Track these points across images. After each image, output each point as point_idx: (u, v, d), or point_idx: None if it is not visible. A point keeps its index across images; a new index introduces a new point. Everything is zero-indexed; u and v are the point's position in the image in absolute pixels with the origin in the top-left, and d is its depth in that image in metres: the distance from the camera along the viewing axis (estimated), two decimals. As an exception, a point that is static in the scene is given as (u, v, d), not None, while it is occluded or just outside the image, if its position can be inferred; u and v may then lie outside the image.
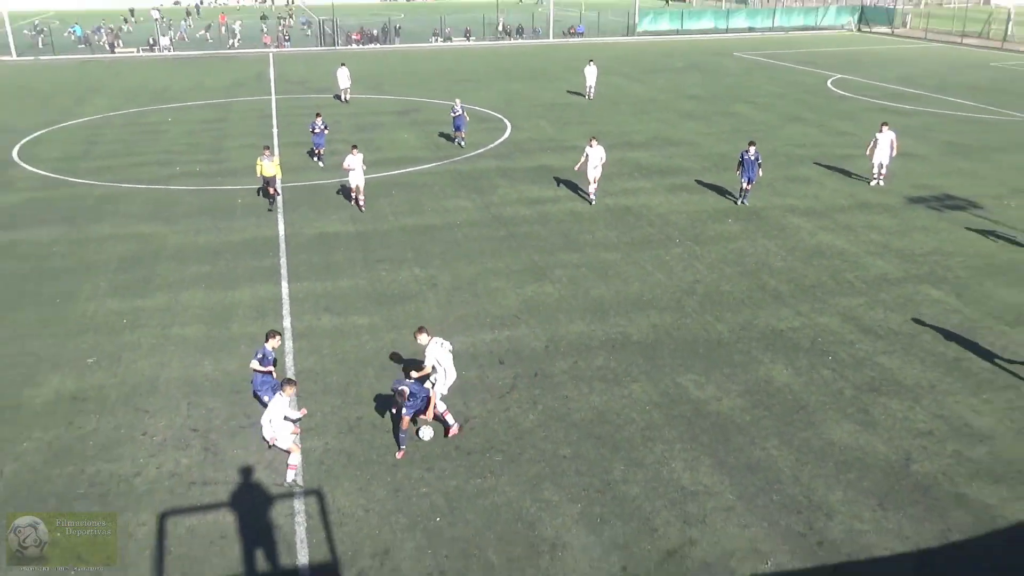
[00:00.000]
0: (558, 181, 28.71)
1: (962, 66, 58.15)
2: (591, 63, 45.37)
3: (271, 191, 25.67)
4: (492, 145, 34.36)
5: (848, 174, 29.73)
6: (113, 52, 69.71)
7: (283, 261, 21.61)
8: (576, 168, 26.85)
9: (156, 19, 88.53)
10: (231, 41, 73.90)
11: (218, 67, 60.11)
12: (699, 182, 28.69)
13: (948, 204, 26.30)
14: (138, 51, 70.59)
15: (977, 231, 23.81)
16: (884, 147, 27.27)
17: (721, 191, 27.59)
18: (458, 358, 16.41)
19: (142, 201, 26.94)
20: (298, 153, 32.91)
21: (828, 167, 30.71)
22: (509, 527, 11.96)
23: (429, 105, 43.35)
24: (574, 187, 28.00)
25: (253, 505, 12.40)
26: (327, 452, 13.63)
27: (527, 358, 16.55)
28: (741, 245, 22.85)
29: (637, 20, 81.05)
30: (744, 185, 25.80)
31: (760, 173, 25.93)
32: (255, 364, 14.15)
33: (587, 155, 25.91)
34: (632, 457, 13.47)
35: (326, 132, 31.46)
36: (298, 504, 12.42)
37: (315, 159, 31.48)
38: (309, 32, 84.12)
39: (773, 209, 25.93)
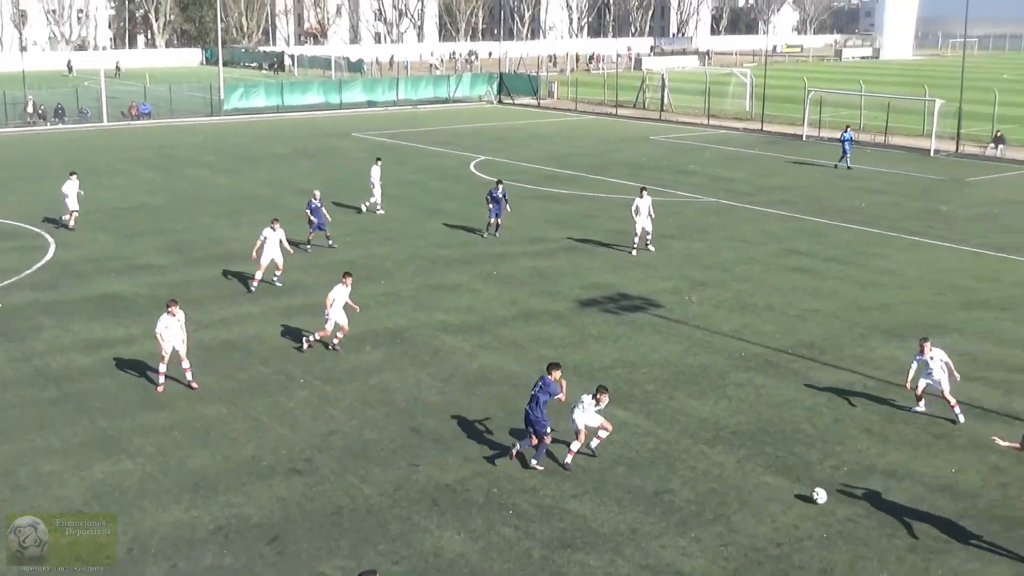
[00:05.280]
0: (132, 314, 27.64)
1: (619, 141, 65.47)
2: (377, 162, 42.57)
3: None
4: (28, 272, 32.44)
5: (507, 277, 31.74)
6: None
7: None
8: None
9: None
10: None
11: None
12: (318, 303, 28.73)
13: (624, 305, 28.96)
14: None
15: (660, 334, 26.42)
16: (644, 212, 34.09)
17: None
18: (-5, 585, 14.90)
19: None
20: None
21: (481, 271, 32.64)
22: None
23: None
24: (151, 320, 27.03)
25: None
26: None
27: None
28: (385, 378, 23.33)
29: (223, 96, 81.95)
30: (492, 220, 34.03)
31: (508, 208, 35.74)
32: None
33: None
34: None
35: None
36: None
37: None
38: None
39: (420, 328, 26.89)
